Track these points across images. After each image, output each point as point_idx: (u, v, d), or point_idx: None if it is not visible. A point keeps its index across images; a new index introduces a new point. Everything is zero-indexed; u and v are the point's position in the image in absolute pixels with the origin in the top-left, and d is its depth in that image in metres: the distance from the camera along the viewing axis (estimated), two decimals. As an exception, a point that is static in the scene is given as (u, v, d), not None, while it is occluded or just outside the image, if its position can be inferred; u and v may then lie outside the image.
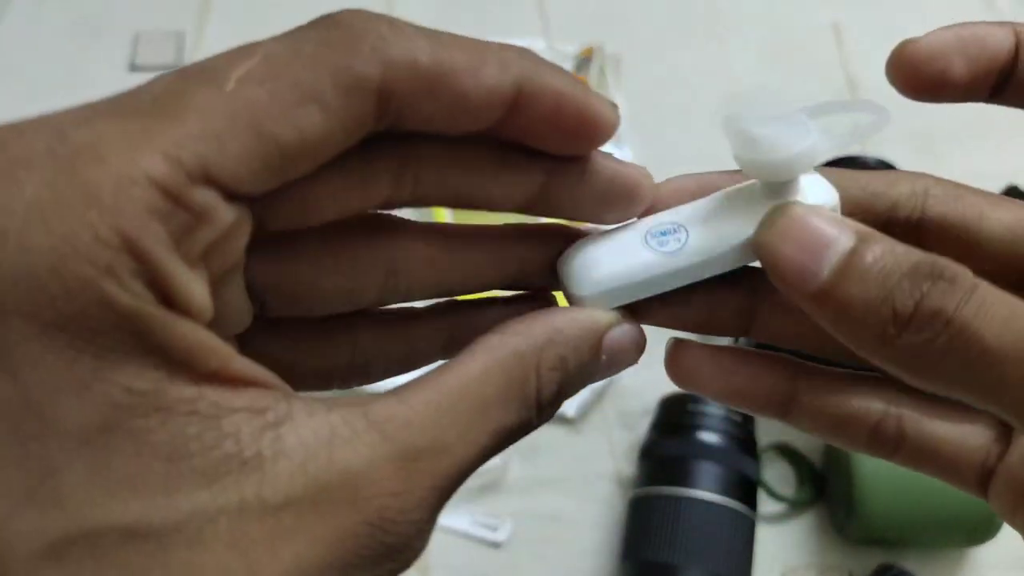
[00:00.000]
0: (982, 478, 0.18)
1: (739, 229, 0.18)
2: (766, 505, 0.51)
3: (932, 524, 0.48)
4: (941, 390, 0.16)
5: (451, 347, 0.20)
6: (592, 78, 0.63)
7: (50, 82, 0.69)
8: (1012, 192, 0.62)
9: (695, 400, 0.50)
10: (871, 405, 0.18)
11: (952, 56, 0.19)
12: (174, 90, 0.14)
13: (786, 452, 0.53)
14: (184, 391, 0.12)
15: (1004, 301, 0.15)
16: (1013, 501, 0.17)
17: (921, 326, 0.15)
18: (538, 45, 0.65)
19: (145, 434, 0.12)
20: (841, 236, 0.16)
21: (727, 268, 0.19)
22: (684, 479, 0.47)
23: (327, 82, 0.15)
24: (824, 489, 0.52)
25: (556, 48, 0.65)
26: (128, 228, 0.12)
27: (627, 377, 0.56)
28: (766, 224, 0.17)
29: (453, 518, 0.51)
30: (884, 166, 0.56)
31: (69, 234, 0.12)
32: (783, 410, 0.19)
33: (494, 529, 0.51)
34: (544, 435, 0.54)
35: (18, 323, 0.12)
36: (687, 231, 0.19)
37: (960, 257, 0.16)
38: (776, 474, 0.53)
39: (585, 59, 0.63)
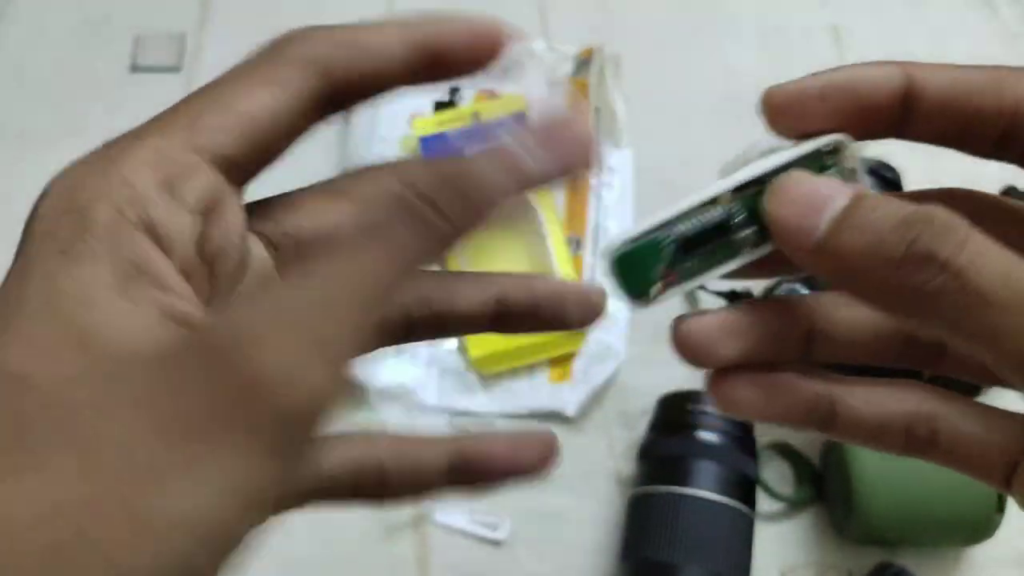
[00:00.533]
0: (1007, 473, 0.18)
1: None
2: (765, 504, 0.51)
3: (930, 523, 0.48)
4: (938, 330, 0.17)
5: None
6: (592, 79, 0.63)
7: (52, 83, 0.69)
8: (1010, 193, 0.62)
9: (694, 400, 0.50)
10: (904, 408, 0.19)
11: (808, 103, 0.20)
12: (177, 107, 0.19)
13: (785, 451, 0.53)
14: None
15: (1000, 253, 0.16)
16: None
17: (914, 269, 0.16)
18: (538, 46, 0.65)
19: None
20: (837, 195, 0.17)
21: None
22: (683, 478, 0.47)
23: (282, 67, 0.19)
24: (823, 488, 0.52)
25: (556, 49, 0.65)
26: (127, 172, 0.16)
27: (627, 377, 0.56)
28: (770, 191, 0.18)
29: (453, 516, 0.51)
30: (883, 167, 0.56)
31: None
32: (826, 424, 0.20)
33: (494, 528, 0.52)
34: (544, 434, 0.54)
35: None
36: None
37: None
38: (775, 473, 0.53)
39: (585, 60, 0.64)
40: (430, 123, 0.60)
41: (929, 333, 0.17)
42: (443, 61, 0.19)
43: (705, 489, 0.46)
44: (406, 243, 0.16)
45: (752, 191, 0.19)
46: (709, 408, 0.49)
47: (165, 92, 0.77)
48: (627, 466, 0.54)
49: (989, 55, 0.77)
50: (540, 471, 0.22)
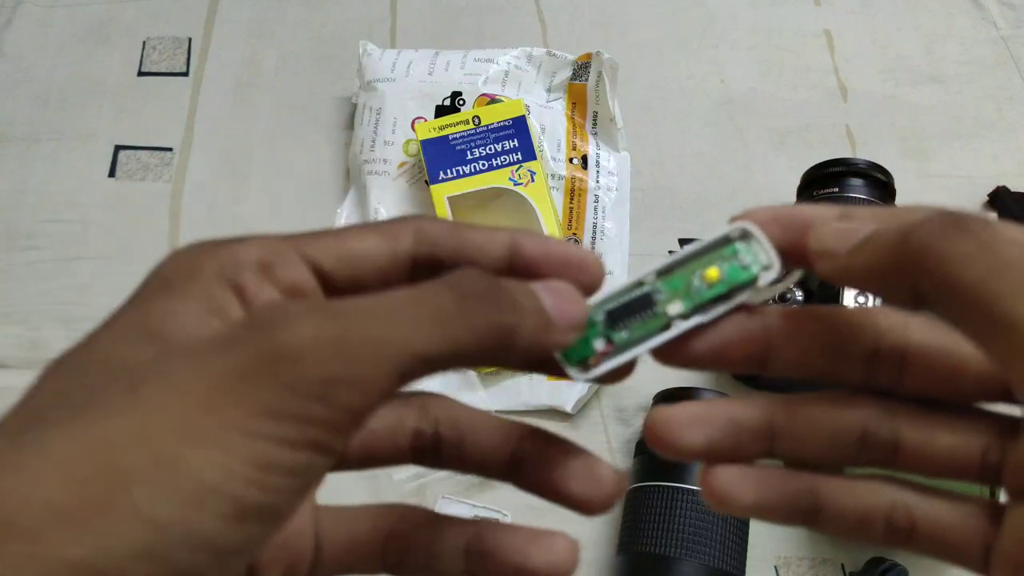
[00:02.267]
0: (983, 555, 0.19)
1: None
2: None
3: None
4: (945, 295, 0.18)
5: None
6: (590, 84, 0.64)
7: (60, 87, 0.70)
8: (999, 193, 0.63)
9: (689, 396, 0.51)
10: (884, 500, 0.20)
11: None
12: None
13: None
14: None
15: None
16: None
17: (940, 229, 0.17)
18: (537, 52, 0.66)
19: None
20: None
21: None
22: (678, 473, 0.48)
23: (396, 225, 0.21)
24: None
25: (555, 54, 0.66)
26: (239, 250, 0.19)
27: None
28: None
29: (455, 510, 0.52)
30: (875, 168, 0.57)
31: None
32: (811, 519, 0.21)
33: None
34: (543, 431, 0.55)
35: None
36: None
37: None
38: (769, 468, 0.54)
39: (583, 65, 0.65)
40: (432, 127, 0.61)
41: (931, 301, 0.18)
42: (529, 273, 0.20)
43: (700, 484, 0.47)
44: (468, 321, 0.17)
45: (675, 272, 0.21)
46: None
47: (173, 96, 0.78)
48: (624, 461, 0.55)
49: (979, 58, 0.78)
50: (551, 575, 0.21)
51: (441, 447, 0.22)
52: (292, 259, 0.19)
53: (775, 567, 0.51)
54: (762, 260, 0.21)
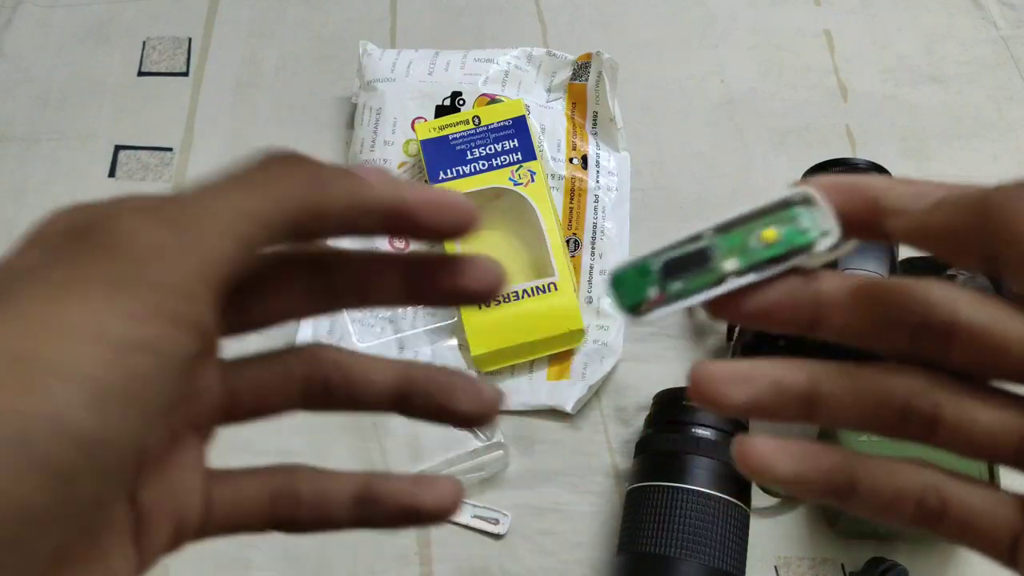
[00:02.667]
0: (1011, 547, 0.19)
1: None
2: (760, 499, 0.52)
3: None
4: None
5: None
6: (590, 83, 0.64)
7: (60, 87, 0.70)
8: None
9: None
10: (917, 480, 0.20)
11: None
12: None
13: (779, 447, 0.54)
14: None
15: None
16: None
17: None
18: (537, 52, 0.66)
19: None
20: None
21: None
22: (679, 473, 0.48)
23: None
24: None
25: (555, 54, 0.66)
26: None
27: (624, 374, 0.57)
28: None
29: (454, 511, 0.52)
30: (875, 168, 0.57)
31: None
32: (845, 495, 0.20)
33: (495, 522, 0.52)
34: (542, 431, 0.55)
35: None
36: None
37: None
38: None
39: (583, 65, 0.65)
40: (432, 127, 0.61)
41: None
42: (409, 225, 0.21)
43: (700, 484, 0.47)
44: (285, 185, 0.18)
45: (733, 230, 0.22)
46: (704, 404, 0.49)
47: (173, 96, 0.78)
48: (624, 461, 0.55)
49: (979, 58, 0.78)
50: (439, 516, 0.22)
51: (331, 391, 0.22)
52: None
53: (775, 567, 0.51)
54: (821, 226, 0.21)
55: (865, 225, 0.21)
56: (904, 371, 0.20)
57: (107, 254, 0.16)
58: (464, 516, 0.52)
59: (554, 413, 0.56)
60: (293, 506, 0.22)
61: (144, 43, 0.72)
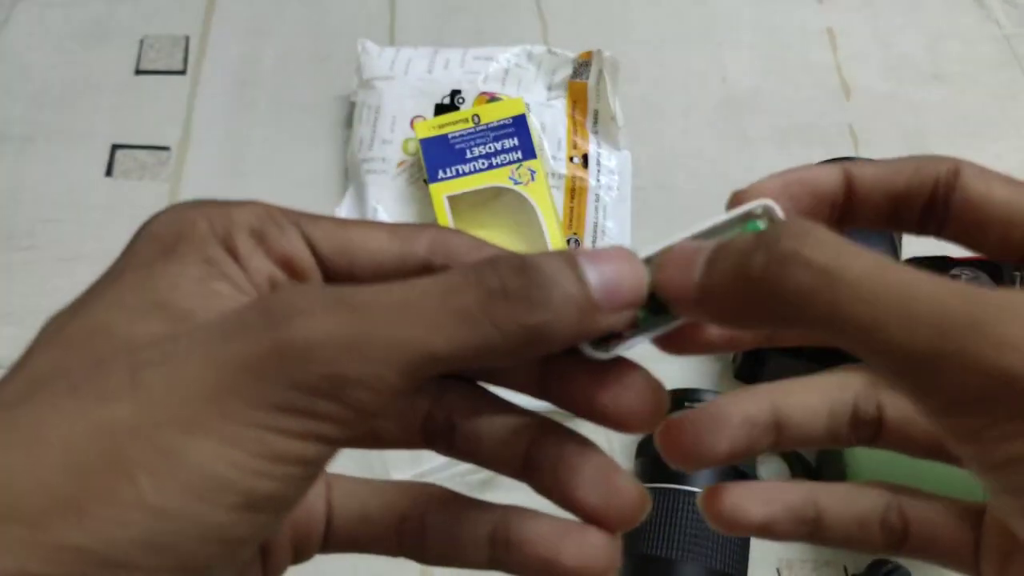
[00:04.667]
0: (974, 552, 0.20)
1: None
2: (761, 500, 0.52)
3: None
4: (820, 332, 0.16)
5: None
6: (591, 82, 0.64)
7: (56, 86, 0.70)
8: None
9: (691, 398, 0.50)
10: (877, 502, 0.21)
11: (773, 196, 0.21)
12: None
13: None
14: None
15: (863, 253, 0.16)
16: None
17: (781, 273, 0.16)
18: (537, 50, 0.66)
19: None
20: (704, 247, 0.18)
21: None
22: (680, 475, 0.47)
23: (408, 227, 0.20)
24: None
25: (555, 52, 0.66)
26: (234, 213, 0.18)
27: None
28: (652, 267, 0.18)
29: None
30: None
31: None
32: (814, 529, 0.21)
33: (494, 524, 0.52)
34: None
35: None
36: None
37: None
38: (771, 470, 0.54)
39: (584, 63, 0.64)
40: (431, 125, 0.61)
41: (813, 338, 0.17)
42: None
43: (702, 486, 0.47)
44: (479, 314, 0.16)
45: None
46: (706, 405, 0.49)
47: (170, 94, 0.78)
48: (625, 463, 0.54)
49: (982, 56, 0.78)
50: None
51: (454, 435, 0.20)
52: (289, 231, 0.19)
53: (777, 569, 0.51)
54: None
55: (825, 221, 0.20)
56: (847, 381, 0.21)
57: (282, 362, 0.15)
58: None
59: (555, 413, 0.55)
60: (419, 536, 0.20)
61: (141, 41, 0.72)
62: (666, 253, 0.18)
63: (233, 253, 0.18)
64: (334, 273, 0.19)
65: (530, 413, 0.21)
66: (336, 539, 0.21)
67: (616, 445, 0.55)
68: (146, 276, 0.17)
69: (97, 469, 0.14)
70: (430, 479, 0.53)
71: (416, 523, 0.20)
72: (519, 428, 0.20)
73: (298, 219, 0.19)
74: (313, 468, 0.16)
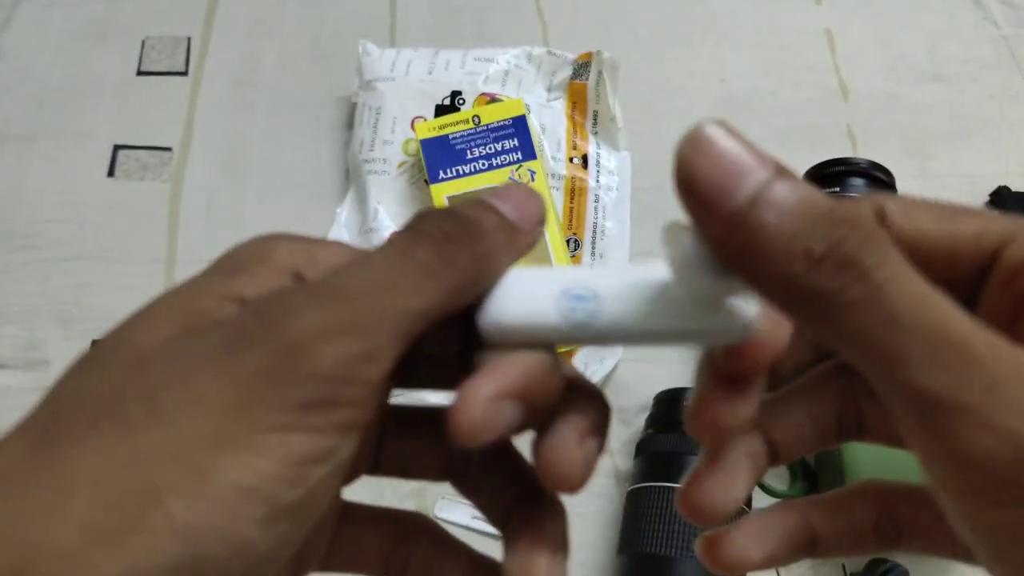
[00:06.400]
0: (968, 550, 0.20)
1: (652, 319, 0.18)
2: (760, 499, 0.52)
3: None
4: (833, 339, 0.16)
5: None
6: (590, 82, 0.64)
7: (58, 86, 0.70)
8: (1001, 193, 0.63)
9: (680, 397, 0.50)
10: (867, 511, 0.21)
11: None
12: None
13: (780, 448, 0.54)
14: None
15: (916, 277, 0.15)
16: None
17: (832, 272, 0.15)
18: (538, 51, 0.66)
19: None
20: (760, 166, 0.15)
21: (634, 346, 0.20)
22: (679, 474, 0.47)
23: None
24: (817, 484, 0.53)
25: (555, 53, 0.66)
26: (318, 248, 0.19)
27: (624, 374, 0.57)
28: (684, 140, 0.16)
29: (454, 512, 0.52)
30: (876, 168, 0.57)
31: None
32: (811, 549, 0.22)
33: (494, 523, 0.52)
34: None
35: None
36: (601, 305, 0.18)
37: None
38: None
39: (583, 64, 0.64)
40: (432, 126, 0.61)
41: (818, 338, 0.16)
42: None
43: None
44: (431, 264, 0.17)
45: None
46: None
47: (172, 95, 0.78)
48: (624, 462, 0.55)
49: (981, 57, 0.78)
50: None
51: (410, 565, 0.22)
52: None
53: (775, 569, 0.51)
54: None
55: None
56: (826, 386, 0.22)
57: (291, 362, 0.16)
58: (464, 517, 0.52)
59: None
60: (403, 566, 0.22)
61: (143, 42, 0.72)
62: (703, 133, 0.15)
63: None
64: None
65: (526, 471, 0.22)
66: (334, 563, 0.22)
67: (616, 444, 0.55)
68: (197, 290, 0.18)
69: (127, 499, 0.14)
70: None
71: (402, 555, 0.22)
72: (508, 483, 0.22)
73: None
74: (333, 464, 0.16)
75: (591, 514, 0.53)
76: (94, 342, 0.17)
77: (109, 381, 0.16)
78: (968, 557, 0.20)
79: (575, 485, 0.18)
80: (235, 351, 0.16)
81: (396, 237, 0.18)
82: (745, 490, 0.21)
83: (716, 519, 0.21)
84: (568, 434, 0.19)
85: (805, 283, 0.15)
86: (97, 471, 0.15)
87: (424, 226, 0.18)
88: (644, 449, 0.51)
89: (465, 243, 0.18)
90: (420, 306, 0.17)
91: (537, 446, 0.19)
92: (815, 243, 0.15)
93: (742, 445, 0.21)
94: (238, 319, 0.17)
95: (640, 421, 0.54)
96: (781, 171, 0.15)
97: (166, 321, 0.17)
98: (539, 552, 0.20)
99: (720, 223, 0.15)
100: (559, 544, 0.20)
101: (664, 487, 0.48)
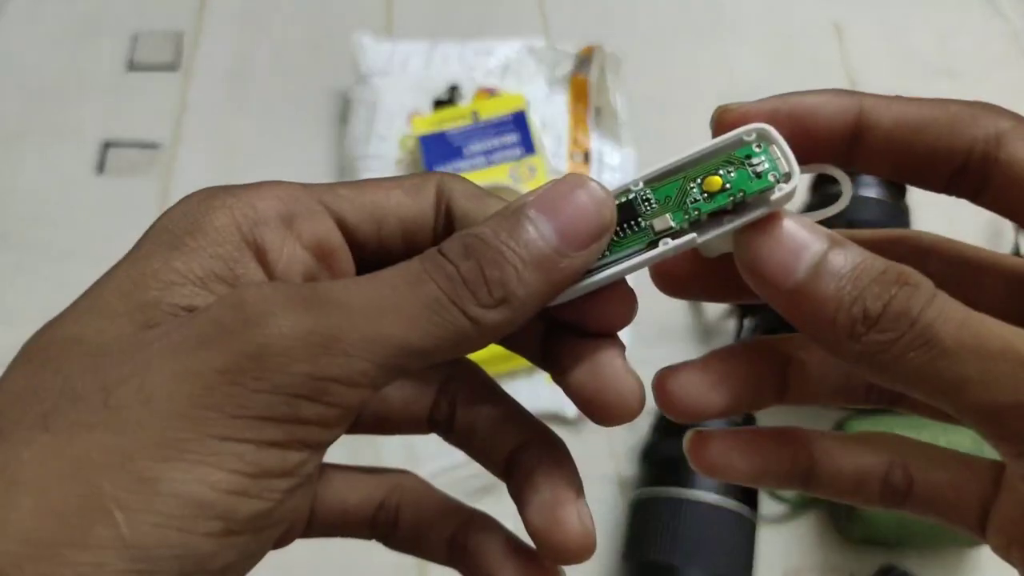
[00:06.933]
0: (981, 520, 0.19)
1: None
2: (767, 506, 0.51)
3: (932, 525, 0.47)
4: (901, 385, 0.17)
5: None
6: (592, 77, 0.63)
7: (49, 80, 0.69)
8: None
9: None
10: (880, 459, 0.20)
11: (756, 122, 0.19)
12: None
13: (787, 453, 0.53)
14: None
15: (959, 307, 0.16)
16: (1007, 541, 0.18)
17: (887, 325, 0.16)
18: (538, 44, 0.65)
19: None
20: (815, 239, 0.17)
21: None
22: (684, 480, 0.47)
23: (421, 181, 0.20)
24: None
25: (556, 48, 0.65)
26: (256, 198, 0.17)
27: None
28: (746, 227, 0.17)
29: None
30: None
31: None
32: (806, 480, 0.20)
33: (493, 530, 0.51)
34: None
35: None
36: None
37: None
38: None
39: (585, 58, 0.63)
40: (429, 121, 0.60)
41: (885, 384, 0.17)
42: None
43: (707, 491, 0.46)
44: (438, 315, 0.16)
45: (671, 179, 0.18)
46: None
47: (162, 90, 0.77)
48: (628, 468, 0.53)
49: (991, 52, 0.77)
50: None
51: (453, 421, 0.21)
52: (316, 210, 0.18)
53: (783, 576, 0.50)
54: (781, 168, 0.17)
55: (814, 155, 0.18)
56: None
57: (256, 368, 0.14)
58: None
59: (555, 418, 0.54)
60: (391, 525, 0.21)
61: (134, 36, 0.71)
62: (764, 225, 0.17)
63: (258, 250, 0.17)
64: (363, 242, 0.18)
65: (524, 415, 0.20)
66: (316, 526, 0.21)
67: (620, 449, 0.54)
68: (139, 274, 0.16)
69: (72, 510, 0.13)
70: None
71: (390, 513, 0.21)
72: (509, 428, 0.20)
73: (322, 195, 0.18)
74: (297, 479, 0.15)
75: (595, 520, 0.52)
76: (33, 336, 0.16)
77: (62, 377, 0.15)
78: (979, 531, 0.19)
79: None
80: (202, 343, 0.15)
81: (412, 262, 0.16)
82: (727, 401, 0.20)
83: (683, 412, 0.20)
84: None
85: (866, 341, 0.16)
86: (44, 477, 0.14)
87: (444, 258, 0.16)
88: (649, 455, 0.50)
89: (482, 292, 0.16)
90: (417, 343, 0.15)
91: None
92: (871, 303, 0.16)
93: (751, 362, 0.20)
94: (211, 310, 0.15)
95: (644, 427, 0.53)
96: (836, 241, 0.17)
97: (118, 314, 0.16)
98: (564, 497, 0.19)
99: (785, 298, 0.17)
100: (579, 487, 0.19)
101: (670, 494, 0.47)
